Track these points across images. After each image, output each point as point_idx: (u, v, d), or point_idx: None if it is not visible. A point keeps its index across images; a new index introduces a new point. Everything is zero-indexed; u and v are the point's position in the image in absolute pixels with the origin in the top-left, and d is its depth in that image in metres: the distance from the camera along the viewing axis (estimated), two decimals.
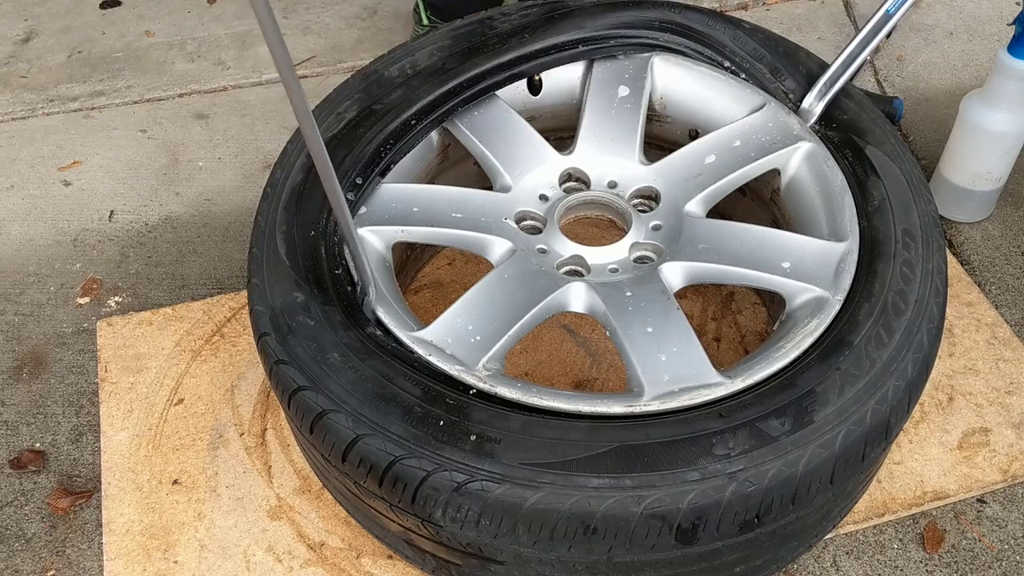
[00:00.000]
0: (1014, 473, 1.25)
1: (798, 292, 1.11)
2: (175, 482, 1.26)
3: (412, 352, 1.02)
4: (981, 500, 1.24)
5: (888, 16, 1.30)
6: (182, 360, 1.39)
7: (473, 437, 0.93)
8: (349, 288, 1.08)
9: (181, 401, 1.34)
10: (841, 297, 1.07)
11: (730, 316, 1.44)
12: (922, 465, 1.26)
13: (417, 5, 1.90)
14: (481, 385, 0.99)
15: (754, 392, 0.98)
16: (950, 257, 1.52)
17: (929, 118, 1.79)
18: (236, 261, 1.56)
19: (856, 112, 1.27)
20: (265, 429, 1.31)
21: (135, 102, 1.89)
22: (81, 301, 1.51)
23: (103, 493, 1.25)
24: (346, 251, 1.12)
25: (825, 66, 1.31)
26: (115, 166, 1.74)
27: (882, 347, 1.01)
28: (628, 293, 1.11)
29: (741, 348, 1.40)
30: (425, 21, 1.89)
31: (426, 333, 1.05)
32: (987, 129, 1.48)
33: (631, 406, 0.97)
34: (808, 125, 1.26)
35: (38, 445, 1.33)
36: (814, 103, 1.27)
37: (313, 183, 1.17)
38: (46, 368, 1.42)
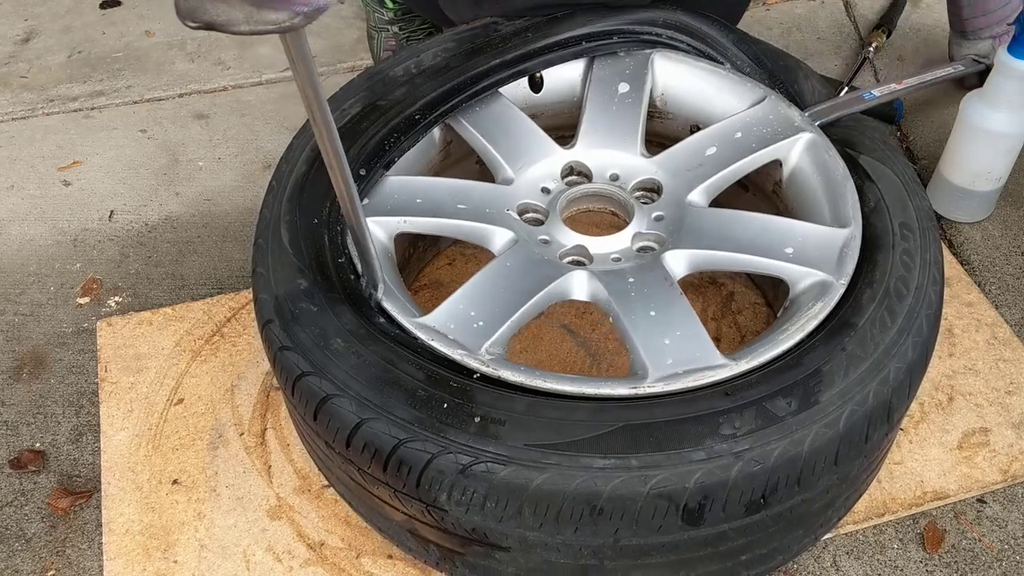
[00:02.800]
0: (1014, 473, 1.25)
1: (802, 277, 1.11)
2: (175, 482, 1.26)
3: (415, 338, 1.03)
4: (981, 500, 1.24)
5: (863, 99, 1.35)
6: (182, 360, 1.39)
7: (477, 419, 0.93)
8: (352, 276, 1.08)
9: (181, 401, 1.34)
10: (845, 281, 1.07)
11: (730, 316, 1.44)
12: (922, 465, 1.26)
13: None
14: (484, 369, 0.99)
15: (760, 372, 0.99)
16: (950, 257, 1.52)
17: (929, 118, 1.80)
18: (236, 261, 1.56)
19: (845, 129, 1.28)
20: (265, 429, 1.31)
21: (135, 102, 1.89)
22: (81, 301, 1.51)
23: (103, 493, 1.25)
24: (349, 241, 1.12)
25: (821, 89, 1.33)
26: (115, 166, 1.74)
27: (885, 330, 1.01)
28: (631, 280, 1.11)
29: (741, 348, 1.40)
30: (389, 3, 1.82)
31: (429, 319, 1.05)
32: (987, 129, 1.48)
33: (635, 387, 0.97)
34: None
35: (38, 445, 1.33)
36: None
37: (317, 173, 1.18)
38: (46, 368, 1.42)
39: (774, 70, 1.34)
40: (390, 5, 1.81)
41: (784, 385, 0.96)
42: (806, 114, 1.28)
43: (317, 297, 1.04)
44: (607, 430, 0.92)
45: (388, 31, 1.83)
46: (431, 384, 0.96)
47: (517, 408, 0.94)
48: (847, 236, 1.12)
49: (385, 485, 0.97)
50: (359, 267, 1.09)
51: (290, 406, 1.11)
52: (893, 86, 1.46)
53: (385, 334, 1.02)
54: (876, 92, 1.39)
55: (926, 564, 1.18)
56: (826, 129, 1.27)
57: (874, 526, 1.21)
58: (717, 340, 1.40)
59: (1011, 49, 1.41)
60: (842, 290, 1.06)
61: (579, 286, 1.12)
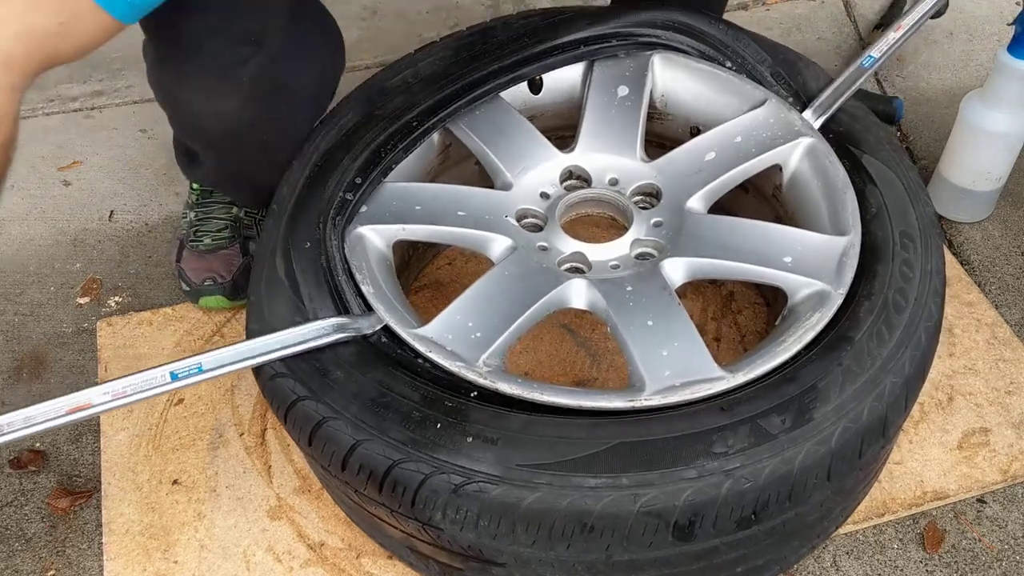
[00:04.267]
0: (1014, 473, 1.25)
1: (800, 286, 1.10)
2: (175, 482, 1.26)
3: (413, 350, 1.03)
4: (981, 500, 1.24)
5: (863, 68, 1.31)
6: None
7: (470, 439, 0.93)
8: (355, 293, 1.08)
9: (181, 401, 1.34)
10: (843, 291, 1.06)
11: (730, 316, 1.44)
12: (922, 465, 1.26)
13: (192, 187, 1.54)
14: (482, 381, 0.99)
15: (756, 386, 0.98)
16: (950, 257, 1.52)
17: (929, 118, 1.79)
18: None
19: (850, 126, 1.27)
20: (265, 429, 1.31)
21: (135, 102, 1.88)
22: (81, 301, 1.51)
23: (103, 493, 1.25)
24: (347, 253, 1.12)
25: (824, 76, 1.32)
26: (115, 166, 1.74)
27: (883, 344, 1.01)
28: (629, 288, 1.10)
29: (741, 348, 1.40)
30: (194, 184, 1.52)
31: (426, 330, 1.05)
32: (987, 129, 1.48)
33: (632, 401, 0.97)
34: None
35: (38, 445, 1.33)
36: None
37: (310, 193, 1.17)
38: (46, 368, 1.42)
39: (775, 63, 1.34)
40: (193, 187, 1.53)
41: (779, 401, 0.96)
42: (818, 100, 1.27)
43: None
44: (601, 448, 0.92)
45: (186, 216, 1.53)
46: (426, 405, 0.97)
47: (511, 427, 0.94)
48: (846, 245, 1.11)
49: (381, 505, 0.97)
50: (359, 283, 1.09)
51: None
52: (891, 35, 1.35)
53: (383, 356, 1.02)
54: (875, 54, 1.32)
55: (926, 564, 1.18)
56: (829, 124, 1.26)
57: (874, 526, 1.21)
58: (717, 340, 1.40)
59: (1011, 49, 1.41)
60: (840, 300, 1.06)
61: (577, 295, 1.12)
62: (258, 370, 1.04)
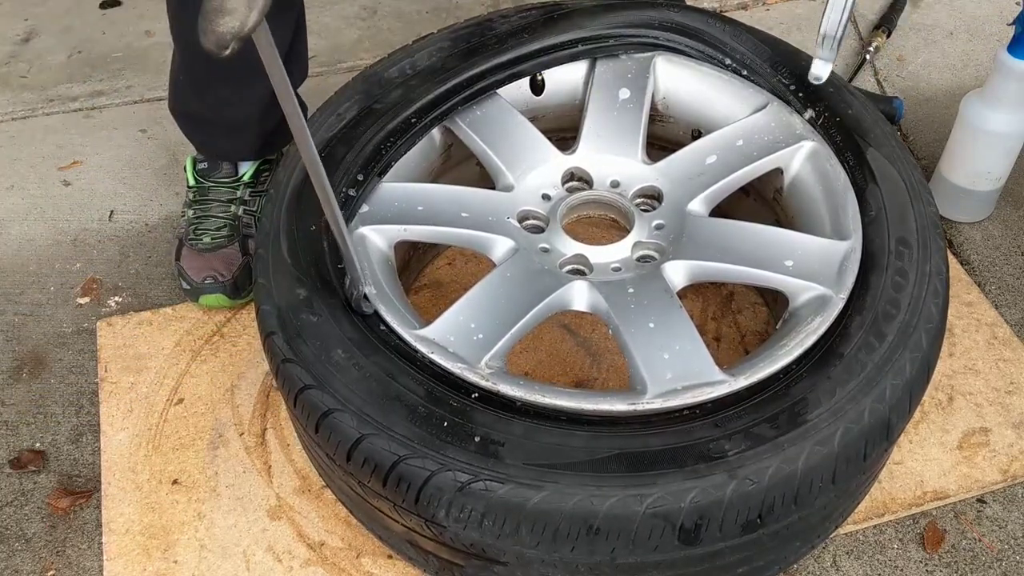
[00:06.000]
0: (1014, 473, 1.26)
1: (801, 290, 1.10)
2: (175, 482, 1.26)
3: (415, 351, 1.02)
4: (981, 500, 1.24)
5: None
6: (182, 360, 1.39)
7: (477, 438, 0.93)
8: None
9: (181, 401, 1.34)
10: (844, 295, 1.06)
11: (730, 316, 1.44)
12: (922, 465, 1.26)
13: (186, 166, 1.55)
14: (483, 383, 0.99)
15: (756, 391, 0.98)
16: (950, 257, 1.51)
17: (929, 118, 1.80)
18: None
19: (859, 112, 1.27)
20: (265, 429, 1.31)
21: (135, 102, 1.88)
22: (81, 301, 1.51)
23: (103, 493, 1.25)
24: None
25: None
26: (115, 166, 1.74)
27: (873, 351, 1.01)
28: (631, 290, 1.11)
29: (741, 348, 1.40)
30: (192, 181, 1.52)
31: (428, 331, 1.05)
32: (987, 129, 1.48)
33: (634, 404, 0.97)
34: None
35: (38, 445, 1.33)
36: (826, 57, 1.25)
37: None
38: (46, 368, 1.42)
39: (775, 55, 1.33)
40: (192, 182, 1.53)
41: (778, 407, 0.96)
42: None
43: (317, 306, 1.04)
44: (605, 449, 0.92)
45: (184, 215, 1.54)
46: (431, 402, 0.97)
47: (516, 428, 0.94)
48: (847, 249, 1.11)
49: (385, 499, 0.97)
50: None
51: (292, 416, 1.11)
52: None
53: (386, 344, 1.02)
54: None
55: (926, 564, 1.18)
56: (837, 110, 1.26)
57: (874, 526, 1.21)
58: (717, 340, 1.40)
59: (1011, 49, 1.41)
60: (841, 304, 1.06)
61: (579, 297, 1.12)
62: (270, 356, 1.05)
